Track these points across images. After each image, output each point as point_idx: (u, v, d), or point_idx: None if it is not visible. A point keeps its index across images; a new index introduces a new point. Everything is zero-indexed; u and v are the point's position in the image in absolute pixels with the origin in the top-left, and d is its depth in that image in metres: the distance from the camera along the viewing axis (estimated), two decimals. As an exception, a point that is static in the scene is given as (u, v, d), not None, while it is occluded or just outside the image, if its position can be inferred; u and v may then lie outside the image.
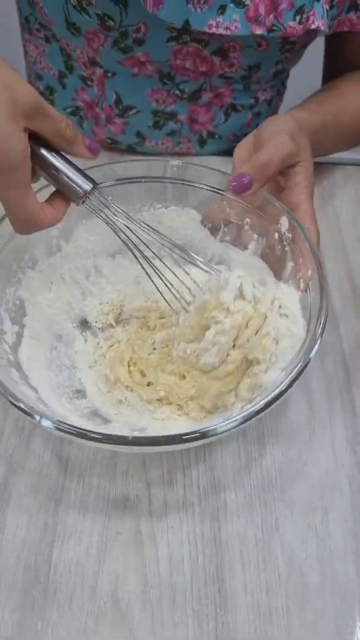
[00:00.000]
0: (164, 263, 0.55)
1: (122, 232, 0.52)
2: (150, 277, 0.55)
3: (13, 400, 0.43)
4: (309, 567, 0.48)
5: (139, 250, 0.53)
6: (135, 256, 0.53)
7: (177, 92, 0.74)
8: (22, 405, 0.43)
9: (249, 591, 0.47)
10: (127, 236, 0.52)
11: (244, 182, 0.54)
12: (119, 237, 0.52)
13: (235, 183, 0.54)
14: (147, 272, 0.54)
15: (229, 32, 0.63)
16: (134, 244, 0.53)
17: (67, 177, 0.48)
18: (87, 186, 0.49)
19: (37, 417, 0.42)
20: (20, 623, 0.45)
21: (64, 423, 0.42)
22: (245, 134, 0.82)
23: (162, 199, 0.61)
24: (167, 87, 0.73)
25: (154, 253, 0.54)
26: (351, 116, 0.71)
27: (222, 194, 0.58)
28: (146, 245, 0.53)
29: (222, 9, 0.62)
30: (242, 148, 0.60)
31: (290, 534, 0.50)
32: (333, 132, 0.69)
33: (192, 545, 0.49)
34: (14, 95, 0.41)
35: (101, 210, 0.51)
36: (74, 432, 0.42)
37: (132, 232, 0.52)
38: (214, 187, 0.59)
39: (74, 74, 0.75)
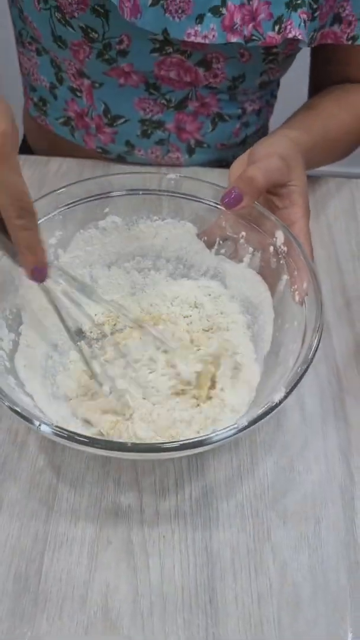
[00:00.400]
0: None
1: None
2: None
3: (12, 406, 0.43)
4: (300, 576, 0.48)
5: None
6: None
7: (163, 101, 0.75)
8: (20, 410, 0.43)
9: (240, 601, 0.47)
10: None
11: (234, 196, 0.55)
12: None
13: (227, 199, 0.55)
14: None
15: (207, 41, 0.64)
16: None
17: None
18: None
19: (37, 423, 0.43)
20: (10, 632, 0.45)
21: (63, 429, 0.42)
22: (234, 144, 0.83)
23: (158, 212, 0.62)
24: (154, 97, 0.74)
25: None
26: (336, 133, 0.72)
27: (218, 208, 0.59)
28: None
29: (200, 18, 0.63)
30: (237, 165, 0.61)
31: (282, 544, 0.50)
32: (321, 149, 0.70)
33: (183, 554, 0.49)
34: None
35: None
36: (75, 439, 0.42)
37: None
38: (210, 201, 0.59)
39: (64, 85, 0.76)
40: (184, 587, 0.47)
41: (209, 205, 0.60)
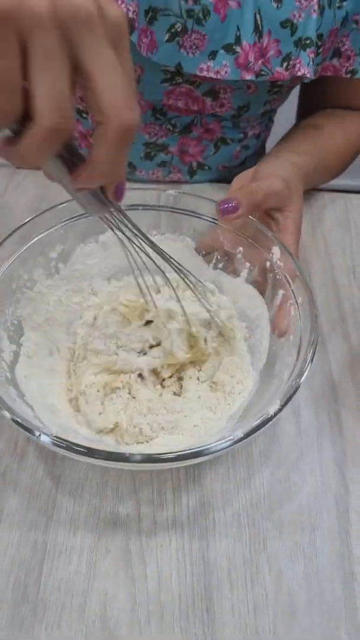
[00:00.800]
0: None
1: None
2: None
3: (13, 417, 0.44)
4: (296, 586, 0.49)
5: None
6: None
7: (169, 126, 0.76)
8: (20, 421, 0.44)
9: (236, 610, 0.47)
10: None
11: (230, 205, 0.57)
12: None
13: (223, 207, 0.57)
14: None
15: (219, 76, 0.66)
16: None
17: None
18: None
19: (37, 433, 0.43)
20: (9, 640, 0.45)
21: (62, 439, 0.43)
22: (234, 165, 0.85)
23: (157, 227, 0.63)
24: (160, 122, 0.76)
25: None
26: (331, 158, 0.76)
27: (216, 224, 0.60)
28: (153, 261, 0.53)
29: (213, 55, 0.65)
30: (239, 181, 0.64)
31: (278, 553, 0.50)
32: (319, 173, 0.74)
33: (180, 563, 0.50)
34: None
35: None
36: (73, 449, 0.43)
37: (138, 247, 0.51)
38: (208, 217, 0.61)
39: None
40: (181, 596, 0.48)
41: (208, 221, 0.61)
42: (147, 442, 0.53)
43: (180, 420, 0.54)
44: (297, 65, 0.66)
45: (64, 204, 0.57)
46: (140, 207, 0.61)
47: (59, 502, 0.52)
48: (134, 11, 0.60)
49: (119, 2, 0.59)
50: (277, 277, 0.57)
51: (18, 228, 0.56)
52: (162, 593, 0.48)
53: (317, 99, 0.81)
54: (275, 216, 0.62)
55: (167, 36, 0.63)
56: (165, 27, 0.63)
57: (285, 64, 0.66)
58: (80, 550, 0.50)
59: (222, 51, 0.65)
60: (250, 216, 0.58)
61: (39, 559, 0.49)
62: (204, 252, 0.63)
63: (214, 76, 0.66)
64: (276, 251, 0.57)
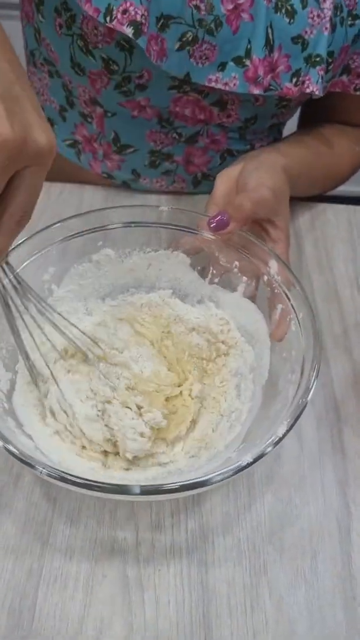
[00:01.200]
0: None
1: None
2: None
3: (11, 449, 0.44)
4: (297, 612, 0.48)
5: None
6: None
7: (175, 135, 0.76)
8: (18, 454, 0.43)
9: (235, 637, 0.46)
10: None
11: (222, 221, 0.57)
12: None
13: (214, 222, 0.58)
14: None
15: (227, 88, 0.66)
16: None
17: None
18: None
19: (40, 469, 0.43)
20: (3, 670, 0.44)
21: (61, 472, 0.43)
22: None
23: (151, 243, 0.62)
24: (166, 130, 0.75)
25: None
26: (318, 172, 0.76)
27: (211, 238, 0.60)
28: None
29: (223, 66, 0.65)
30: (224, 180, 0.64)
31: (278, 579, 0.49)
32: (303, 182, 0.73)
33: (178, 589, 0.49)
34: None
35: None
36: (70, 481, 0.42)
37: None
38: (203, 232, 0.60)
39: (75, 109, 0.77)
40: (179, 623, 0.47)
41: (203, 236, 0.60)
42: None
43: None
44: (307, 82, 0.66)
45: (57, 224, 0.57)
46: (133, 225, 0.60)
47: (55, 526, 0.51)
48: (142, 15, 0.59)
49: (127, 4, 0.59)
50: (275, 291, 0.56)
51: (12, 250, 0.55)
52: (159, 620, 0.47)
53: (318, 112, 0.80)
54: (265, 226, 0.62)
55: (177, 45, 0.63)
56: (177, 35, 0.62)
57: (294, 80, 0.65)
58: (77, 576, 0.49)
59: (231, 63, 0.64)
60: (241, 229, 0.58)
61: (34, 584, 0.48)
62: (199, 268, 0.63)
63: (222, 87, 0.66)
64: (273, 265, 0.56)
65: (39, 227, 0.57)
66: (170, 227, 0.61)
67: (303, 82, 0.66)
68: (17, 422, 0.50)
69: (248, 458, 0.44)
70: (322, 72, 0.65)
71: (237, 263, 0.60)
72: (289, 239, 0.63)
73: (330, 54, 0.65)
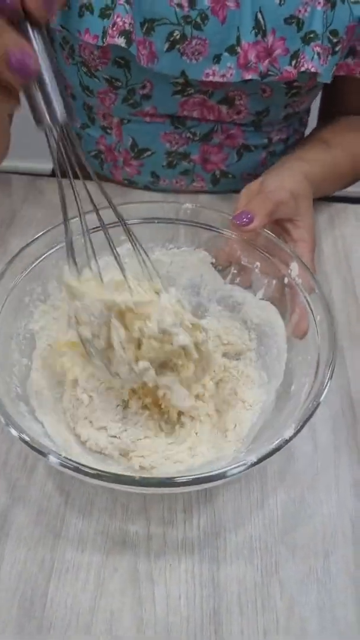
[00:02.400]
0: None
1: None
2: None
3: (21, 435, 0.44)
4: (308, 612, 0.47)
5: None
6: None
7: (189, 134, 0.76)
8: (29, 441, 0.44)
9: (245, 635, 0.46)
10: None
11: (247, 217, 0.57)
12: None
13: (238, 219, 0.58)
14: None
15: (225, 80, 0.65)
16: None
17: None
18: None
19: (46, 454, 0.43)
20: (13, 658, 0.45)
21: (71, 460, 0.43)
22: (261, 173, 0.84)
23: (174, 240, 0.62)
24: (179, 131, 0.76)
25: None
26: (344, 167, 0.75)
27: (233, 237, 0.60)
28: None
29: (217, 58, 0.64)
30: (248, 192, 0.64)
31: (290, 578, 0.49)
32: (330, 182, 0.73)
33: (189, 585, 0.48)
34: None
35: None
36: (82, 470, 0.42)
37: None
38: (226, 230, 0.60)
39: (96, 124, 0.79)
40: (189, 618, 0.47)
41: (225, 235, 0.60)
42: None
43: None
44: (302, 61, 0.64)
45: (76, 219, 0.57)
46: (157, 221, 0.60)
47: (68, 519, 0.51)
48: (130, 23, 0.60)
49: (115, 16, 0.60)
50: (295, 293, 0.56)
51: (33, 241, 0.56)
52: (169, 615, 0.47)
53: (335, 102, 0.79)
54: (286, 226, 0.62)
55: (166, 45, 0.63)
56: (164, 36, 0.63)
57: (294, 62, 0.64)
58: (88, 568, 0.49)
59: (226, 54, 0.64)
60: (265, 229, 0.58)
61: (46, 576, 0.48)
62: (220, 267, 0.63)
63: (220, 80, 0.65)
64: (294, 267, 0.56)
65: (60, 219, 0.57)
66: (193, 224, 0.61)
67: (299, 62, 0.64)
68: (29, 407, 0.51)
69: (258, 455, 0.43)
70: (318, 49, 0.63)
71: (258, 264, 0.60)
72: (313, 240, 0.62)
73: (334, 33, 0.63)
